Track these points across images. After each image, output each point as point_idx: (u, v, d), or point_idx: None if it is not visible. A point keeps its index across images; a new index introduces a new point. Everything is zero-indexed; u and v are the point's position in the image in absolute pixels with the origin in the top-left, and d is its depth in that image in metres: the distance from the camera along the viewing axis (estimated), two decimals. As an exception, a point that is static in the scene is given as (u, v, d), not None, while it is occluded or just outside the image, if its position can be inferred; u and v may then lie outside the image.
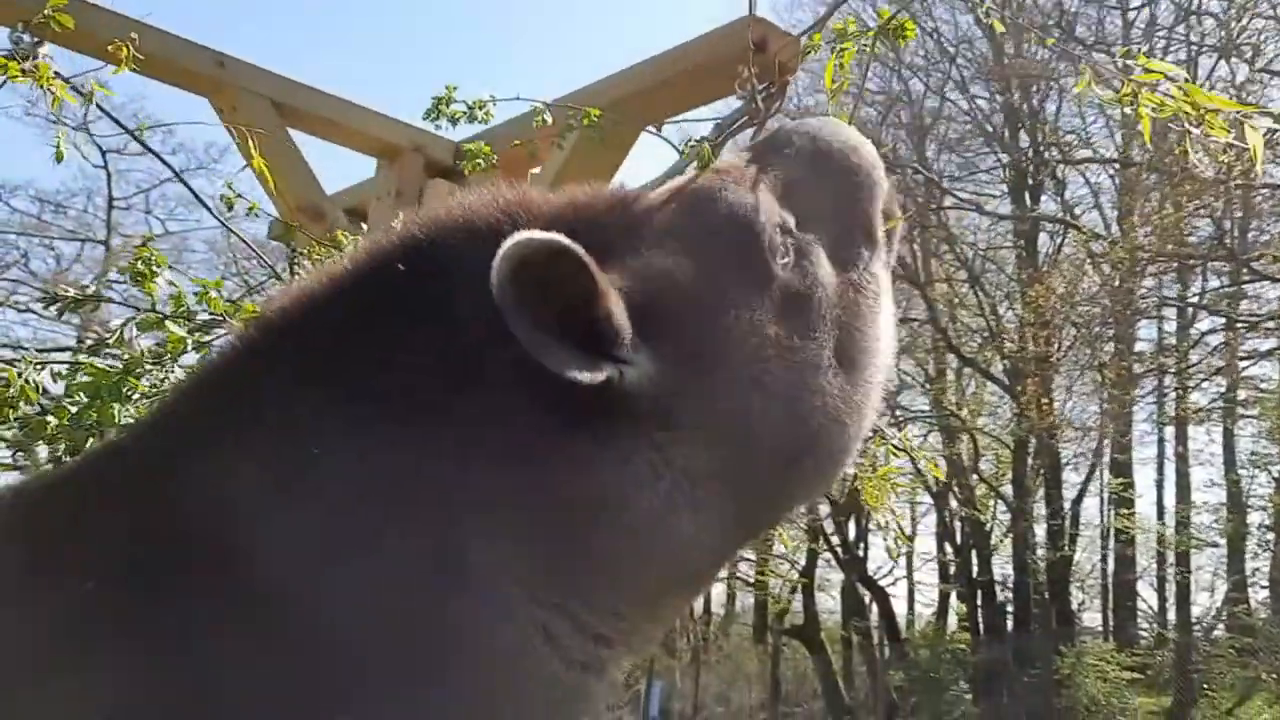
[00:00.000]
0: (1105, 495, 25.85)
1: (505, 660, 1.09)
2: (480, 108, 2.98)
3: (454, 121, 3.00)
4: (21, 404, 2.17)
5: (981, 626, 24.84)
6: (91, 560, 1.08)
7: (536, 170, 4.26)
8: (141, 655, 1.03)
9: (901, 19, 2.69)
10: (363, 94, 3.89)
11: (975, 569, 25.17)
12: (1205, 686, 20.69)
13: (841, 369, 1.29)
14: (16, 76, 2.32)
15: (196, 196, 3.52)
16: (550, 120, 3.04)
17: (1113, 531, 25.02)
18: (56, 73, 2.26)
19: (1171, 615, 25.31)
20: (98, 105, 2.99)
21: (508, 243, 1.05)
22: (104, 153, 20.99)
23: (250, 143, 2.90)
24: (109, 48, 2.32)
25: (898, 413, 25.78)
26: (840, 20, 2.74)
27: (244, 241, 3.63)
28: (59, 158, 2.68)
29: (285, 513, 1.09)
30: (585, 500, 1.13)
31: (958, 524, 26.25)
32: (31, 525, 1.16)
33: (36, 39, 2.47)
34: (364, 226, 3.98)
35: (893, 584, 29.98)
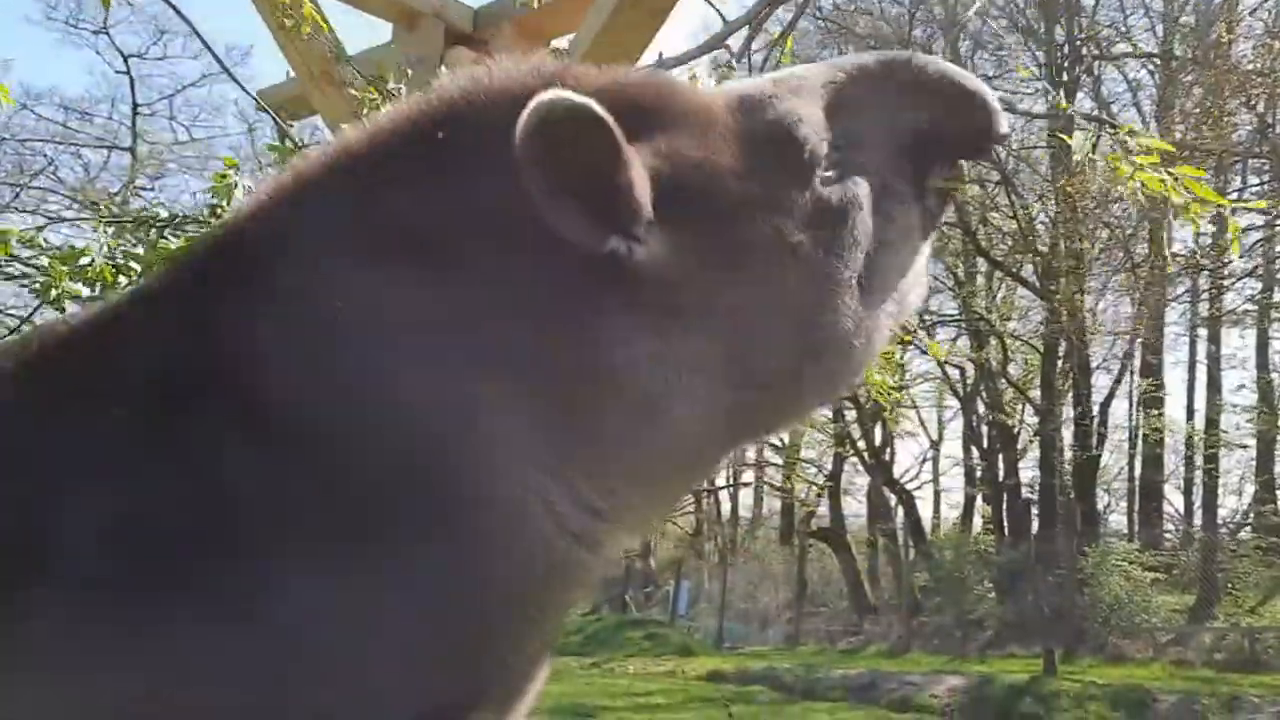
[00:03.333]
0: (1134, 397, 25.77)
1: (503, 520, 1.11)
2: None
3: None
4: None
5: (1006, 528, 25.04)
6: (118, 389, 1.12)
7: (561, 41, 4.19)
8: (167, 475, 1.07)
9: None
10: None
11: (1002, 472, 25.26)
12: (1229, 585, 20.83)
13: (860, 293, 1.29)
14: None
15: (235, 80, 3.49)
16: None
17: (1141, 434, 24.98)
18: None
19: (1198, 519, 25.38)
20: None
21: (536, 99, 1.06)
22: (126, 58, 20.86)
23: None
24: None
25: (926, 317, 25.66)
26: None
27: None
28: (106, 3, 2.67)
29: (309, 356, 1.13)
30: (587, 375, 1.15)
31: (984, 428, 26.28)
32: (61, 358, 1.19)
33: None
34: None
35: (918, 488, 30.25)
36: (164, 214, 2.39)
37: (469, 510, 1.10)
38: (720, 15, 2.95)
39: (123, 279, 2.17)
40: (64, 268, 2.05)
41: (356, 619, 1.05)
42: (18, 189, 22.69)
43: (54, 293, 2.11)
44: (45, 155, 23.26)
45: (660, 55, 2.78)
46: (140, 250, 2.29)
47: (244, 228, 1.26)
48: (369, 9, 3.99)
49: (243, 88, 4.44)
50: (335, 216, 1.19)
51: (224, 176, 2.40)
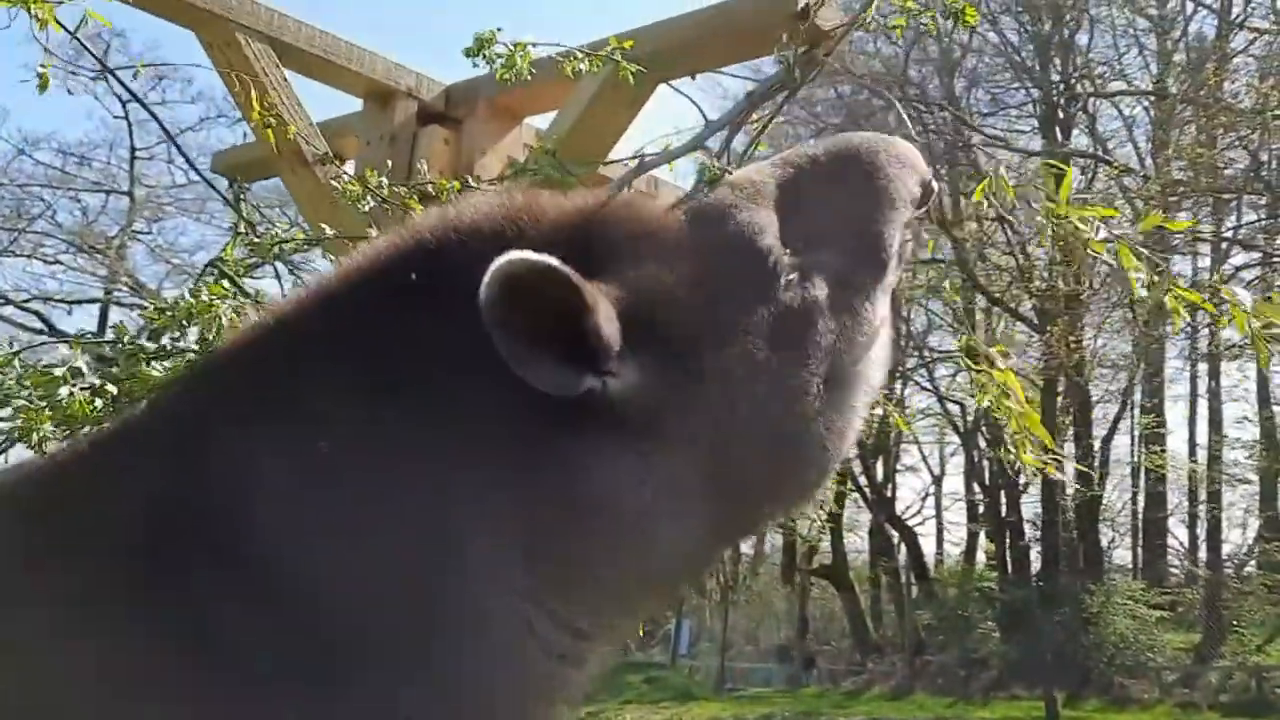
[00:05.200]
0: (1136, 433, 25.70)
1: (491, 649, 1.15)
2: (522, 49, 2.97)
3: (491, 63, 3.00)
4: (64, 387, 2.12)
5: (1010, 565, 24.90)
6: (108, 532, 1.14)
7: (535, 119, 4.17)
8: (151, 625, 1.08)
9: (965, 4, 2.68)
10: (355, 34, 3.75)
11: (1004, 508, 25.15)
12: (1235, 623, 20.67)
13: (828, 394, 1.31)
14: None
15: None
16: (587, 68, 3.01)
17: (1143, 469, 24.88)
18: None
19: (1202, 553, 25.22)
20: (84, 44, 2.88)
21: (496, 262, 1.09)
22: (124, 103, 21.01)
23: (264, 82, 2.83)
24: None
25: (925, 353, 25.66)
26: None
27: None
28: (43, 85, 2.57)
29: (296, 494, 1.15)
30: (572, 502, 1.18)
31: (986, 464, 26.19)
32: (54, 495, 1.22)
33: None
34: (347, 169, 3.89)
35: (921, 524, 30.10)
36: (150, 346, 2.29)
37: (455, 639, 1.13)
38: (700, 111, 2.94)
39: (99, 401, 2.11)
40: (44, 405, 1.98)
41: None
42: (15, 233, 22.77)
43: (35, 437, 2.03)
44: (43, 200, 23.40)
45: (641, 159, 2.77)
46: (116, 369, 2.22)
47: (226, 366, 1.29)
48: (341, 85, 3.96)
49: (194, 167, 4.42)
50: (315, 357, 1.22)
51: (209, 306, 2.30)
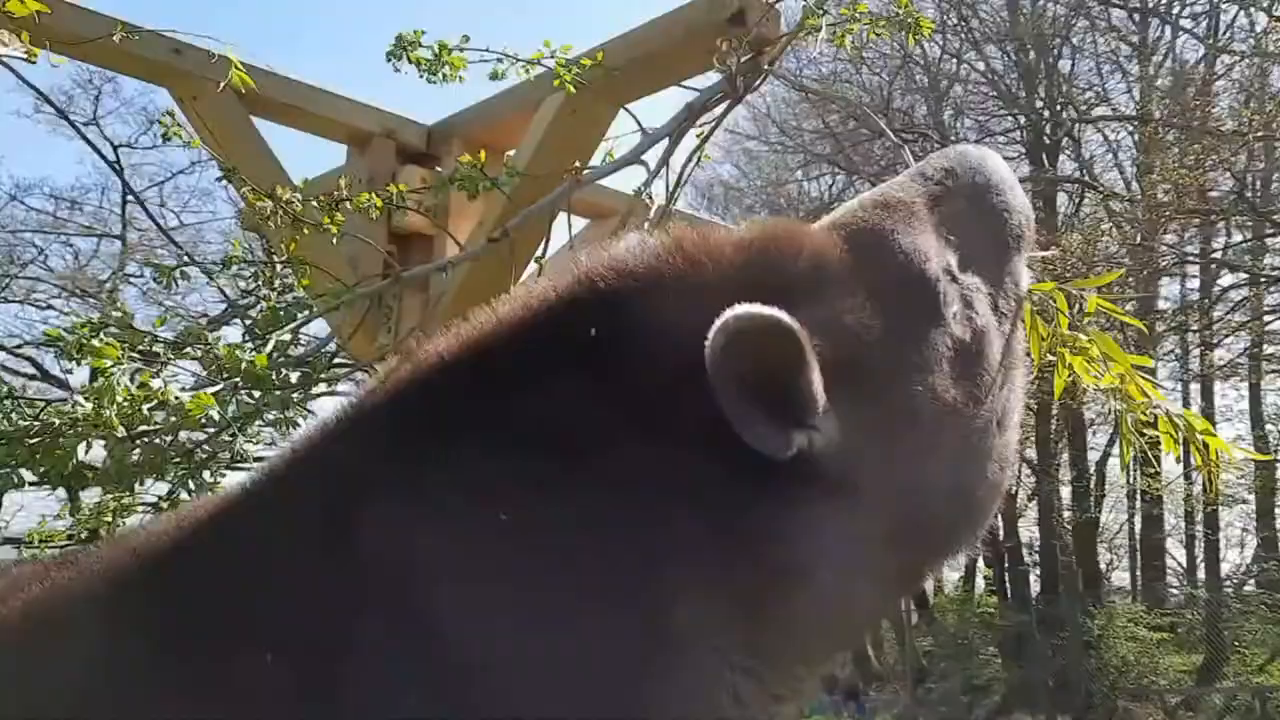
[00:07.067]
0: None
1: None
2: (447, 52, 2.89)
3: (418, 66, 2.92)
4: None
5: (1009, 591, 24.78)
6: (261, 626, 1.07)
7: (513, 151, 4.20)
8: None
9: (918, 15, 2.66)
10: (337, 80, 3.78)
11: (1001, 533, 25.07)
12: (1236, 644, 20.55)
13: (999, 429, 1.27)
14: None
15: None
16: (531, 74, 2.99)
17: (1139, 491, 24.84)
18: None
19: (1201, 573, 25.14)
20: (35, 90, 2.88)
21: (724, 316, 1.04)
22: (116, 147, 21.08)
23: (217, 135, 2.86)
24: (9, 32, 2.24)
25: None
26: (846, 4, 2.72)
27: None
28: None
29: (472, 570, 1.07)
30: (774, 566, 1.12)
31: (982, 489, 26.14)
32: (189, 576, 1.13)
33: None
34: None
35: (919, 551, 29.96)
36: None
37: (662, 715, 1.07)
38: (638, 123, 2.92)
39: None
40: None
41: None
42: (8, 279, 22.76)
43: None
44: (35, 245, 23.39)
45: (576, 172, 2.73)
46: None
47: (369, 430, 1.18)
48: (320, 132, 4.01)
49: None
50: (479, 419, 1.13)
51: (108, 373, 2.21)
